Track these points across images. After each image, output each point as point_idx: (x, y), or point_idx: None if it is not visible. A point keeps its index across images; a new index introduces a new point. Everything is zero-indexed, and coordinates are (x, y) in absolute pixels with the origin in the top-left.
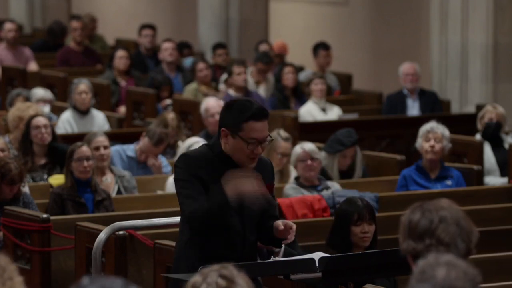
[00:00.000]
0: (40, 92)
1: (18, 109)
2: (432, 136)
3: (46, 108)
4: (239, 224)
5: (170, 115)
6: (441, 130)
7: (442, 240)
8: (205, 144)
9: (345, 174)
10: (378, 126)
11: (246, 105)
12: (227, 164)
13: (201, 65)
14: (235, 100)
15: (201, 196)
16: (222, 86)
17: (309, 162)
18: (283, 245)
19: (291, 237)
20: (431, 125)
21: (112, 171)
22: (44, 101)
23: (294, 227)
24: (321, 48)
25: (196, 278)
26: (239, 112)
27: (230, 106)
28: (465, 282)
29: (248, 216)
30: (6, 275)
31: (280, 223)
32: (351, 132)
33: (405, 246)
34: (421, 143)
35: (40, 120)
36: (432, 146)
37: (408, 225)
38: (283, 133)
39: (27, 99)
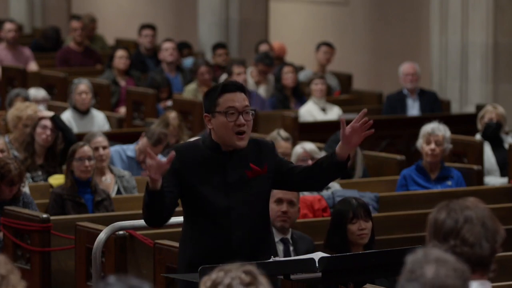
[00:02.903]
0: (32, 92)
1: (17, 109)
2: (433, 139)
3: (41, 108)
4: (226, 220)
5: (172, 114)
6: (443, 132)
7: (467, 240)
8: (200, 137)
9: (346, 174)
10: (378, 126)
11: (218, 84)
12: (219, 153)
13: (203, 69)
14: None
15: (167, 189)
16: None
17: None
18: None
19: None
20: (433, 126)
21: (111, 171)
22: (37, 101)
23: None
24: (323, 44)
25: (217, 273)
26: (212, 92)
27: (206, 94)
28: (455, 279)
29: (236, 213)
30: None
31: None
32: None
33: (431, 246)
34: (421, 144)
35: (48, 122)
36: (433, 150)
37: (434, 224)
38: (283, 133)
39: (26, 99)
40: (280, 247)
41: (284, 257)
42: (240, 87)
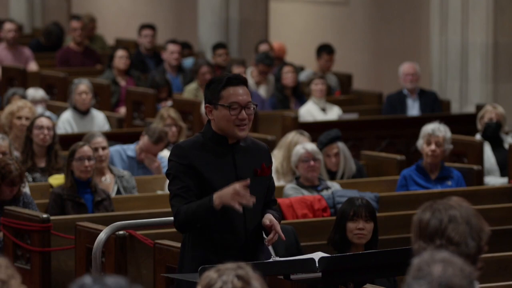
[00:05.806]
0: (30, 92)
1: (8, 108)
2: (434, 140)
3: (39, 109)
4: (239, 215)
5: (164, 108)
6: (443, 132)
7: (452, 239)
8: (199, 132)
9: (336, 174)
10: (378, 126)
11: (221, 76)
12: (221, 144)
13: (204, 69)
14: (213, 77)
15: (189, 193)
16: None
17: (312, 163)
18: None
19: (272, 238)
20: (433, 127)
21: (111, 171)
22: (35, 101)
23: (277, 228)
24: (325, 51)
25: (211, 274)
26: (216, 84)
27: (208, 84)
28: (461, 278)
29: (247, 208)
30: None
31: (267, 220)
32: (332, 131)
33: (416, 247)
34: (422, 144)
35: (43, 121)
36: (433, 151)
37: (418, 225)
38: (301, 131)
39: (23, 97)
40: None
41: None
42: (244, 81)
